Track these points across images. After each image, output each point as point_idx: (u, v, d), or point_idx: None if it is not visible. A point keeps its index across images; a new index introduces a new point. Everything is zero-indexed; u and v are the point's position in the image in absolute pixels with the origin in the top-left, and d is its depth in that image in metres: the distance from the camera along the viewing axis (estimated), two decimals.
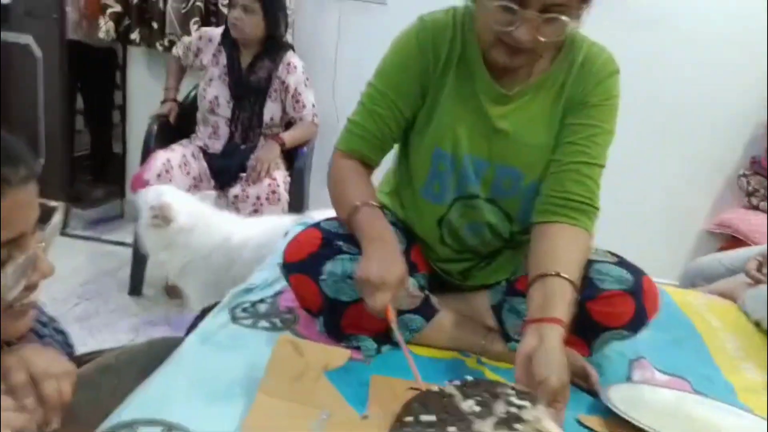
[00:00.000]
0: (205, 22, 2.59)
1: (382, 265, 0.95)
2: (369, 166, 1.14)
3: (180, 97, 2.44)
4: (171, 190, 1.84)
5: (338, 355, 1.02)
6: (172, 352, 1.01)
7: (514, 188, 1.10)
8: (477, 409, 0.90)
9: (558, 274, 0.94)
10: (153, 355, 0.99)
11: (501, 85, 1.07)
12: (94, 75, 2.95)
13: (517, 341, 1.11)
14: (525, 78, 1.07)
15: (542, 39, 0.94)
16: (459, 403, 0.89)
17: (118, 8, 2.61)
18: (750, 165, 2.66)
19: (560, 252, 0.98)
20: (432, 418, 0.87)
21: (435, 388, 0.86)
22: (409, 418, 0.88)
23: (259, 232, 1.82)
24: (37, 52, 2.59)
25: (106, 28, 2.59)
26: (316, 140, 2.41)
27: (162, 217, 1.76)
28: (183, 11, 2.57)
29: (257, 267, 1.41)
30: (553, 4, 0.92)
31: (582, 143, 1.04)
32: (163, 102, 2.39)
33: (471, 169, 1.09)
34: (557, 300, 0.92)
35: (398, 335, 0.95)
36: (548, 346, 0.85)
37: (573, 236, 1.01)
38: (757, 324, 1.41)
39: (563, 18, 0.93)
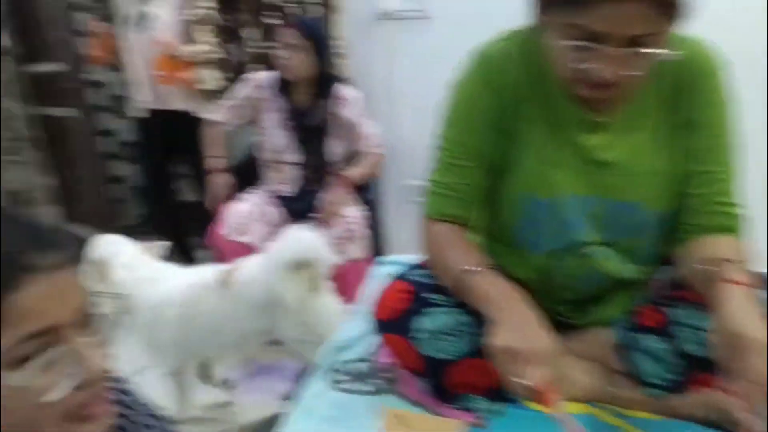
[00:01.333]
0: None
1: (526, 332, 0.81)
2: (463, 224, 1.01)
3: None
4: (114, 242, 1.66)
5: (451, 426, 0.93)
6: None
7: (637, 225, 0.96)
8: None
9: (726, 260, 0.83)
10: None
11: (590, 111, 0.93)
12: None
13: (655, 387, 0.96)
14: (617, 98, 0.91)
15: (627, 74, 0.81)
16: None
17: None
18: None
19: (720, 251, 0.87)
20: None
21: None
22: None
23: (183, 286, 1.60)
24: None
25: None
26: (383, 169, 2.34)
27: (98, 273, 1.59)
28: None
29: (345, 318, 1.35)
30: (641, 35, 0.78)
31: (714, 170, 0.94)
32: (210, 173, 2.20)
33: (577, 212, 0.96)
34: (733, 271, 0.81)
35: (571, 425, 0.78)
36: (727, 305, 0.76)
37: (725, 240, 0.91)
38: None
39: (653, 51, 0.79)
